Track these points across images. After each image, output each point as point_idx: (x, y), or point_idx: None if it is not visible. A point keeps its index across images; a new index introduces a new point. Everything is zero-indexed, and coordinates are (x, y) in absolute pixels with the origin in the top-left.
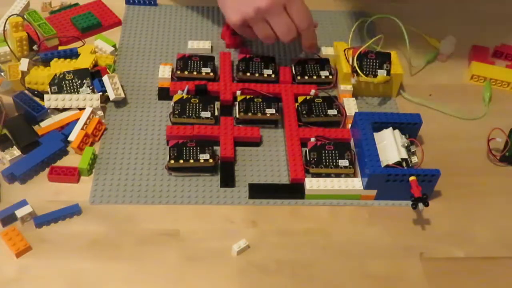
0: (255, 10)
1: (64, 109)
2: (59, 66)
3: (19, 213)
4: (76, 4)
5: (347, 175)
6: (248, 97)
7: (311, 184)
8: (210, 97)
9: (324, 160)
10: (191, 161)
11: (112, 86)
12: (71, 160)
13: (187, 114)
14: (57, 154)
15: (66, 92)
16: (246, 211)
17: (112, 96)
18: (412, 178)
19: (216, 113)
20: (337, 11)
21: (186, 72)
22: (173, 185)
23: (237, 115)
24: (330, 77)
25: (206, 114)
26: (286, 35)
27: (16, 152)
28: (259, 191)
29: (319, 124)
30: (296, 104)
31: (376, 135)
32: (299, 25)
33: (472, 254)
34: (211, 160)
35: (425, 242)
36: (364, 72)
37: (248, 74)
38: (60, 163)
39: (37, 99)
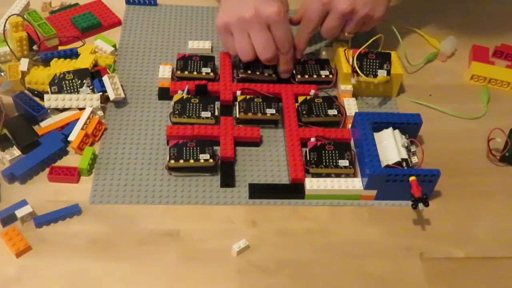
0: (239, 18)
1: (64, 109)
2: (59, 66)
3: (19, 213)
4: (76, 4)
5: (347, 175)
6: (248, 97)
7: (311, 184)
8: (210, 97)
9: (324, 160)
10: (191, 161)
11: (112, 86)
12: (71, 160)
13: (187, 114)
14: (57, 154)
15: (66, 92)
16: (246, 211)
17: (112, 96)
18: (412, 178)
19: (216, 113)
20: None
21: (186, 72)
22: (173, 185)
23: (237, 115)
24: (331, 76)
25: (206, 114)
26: (263, 51)
27: (16, 152)
28: (259, 191)
29: (319, 124)
30: (296, 104)
31: (376, 135)
32: (279, 47)
33: (472, 254)
34: (211, 160)
35: (425, 242)
36: (364, 72)
37: (249, 71)
38: (60, 163)
39: (37, 99)
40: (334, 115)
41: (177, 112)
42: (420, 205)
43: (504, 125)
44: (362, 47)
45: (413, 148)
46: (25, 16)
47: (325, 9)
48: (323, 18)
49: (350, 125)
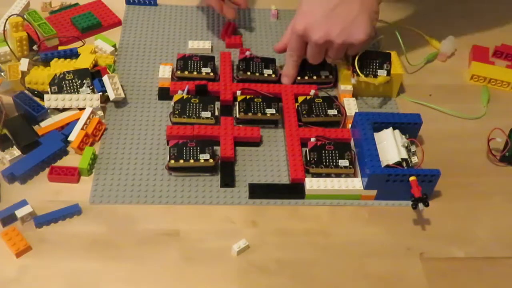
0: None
1: (64, 109)
2: (59, 66)
3: (19, 213)
4: (76, 4)
5: (347, 175)
6: (248, 97)
7: (311, 184)
8: (210, 97)
9: (324, 160)
10: (191, 161)
11: (112, 86)
12: (71, 160)
13: (187, 114)
14: (57, 154)
15: (66, 92)
16: (246, 211)
17: (112, 96)
18: (412, 178)
19: (216, 113)
20: None
21: (186, 72)
22: (173, 185)
23: (237, 115)
24: (330, 77)
25: (206, 114)
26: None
27: (16, 152)
28: (259, 191)
29: (319, 124)
30: (296, 104)
31: (376, 135)
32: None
33: (472, 254)
34: (211, 160)
35: (425, 242)
36: (364, 72)
37: (249, 73)
38: (60, 163)
39: (37, 99)
40: (334, 115)
41: (177, 112)
42: (420, 205)
43: (504, 125)
44: None
45: (413, 148)
46: (25, 16)
47: (303, 40)
48: (305, 46)
49: (350, 125)
